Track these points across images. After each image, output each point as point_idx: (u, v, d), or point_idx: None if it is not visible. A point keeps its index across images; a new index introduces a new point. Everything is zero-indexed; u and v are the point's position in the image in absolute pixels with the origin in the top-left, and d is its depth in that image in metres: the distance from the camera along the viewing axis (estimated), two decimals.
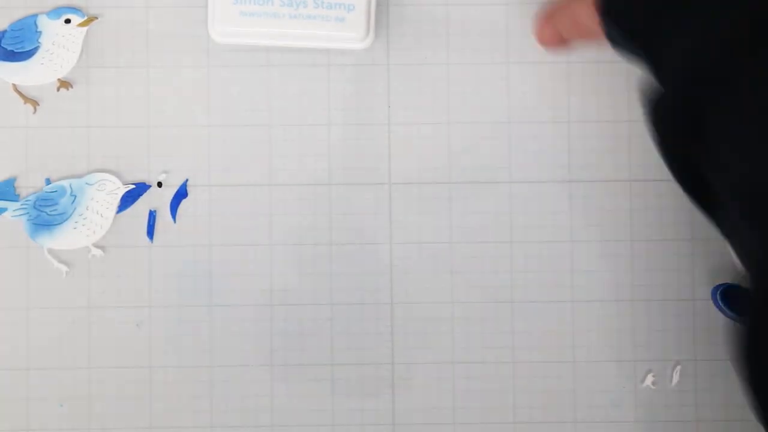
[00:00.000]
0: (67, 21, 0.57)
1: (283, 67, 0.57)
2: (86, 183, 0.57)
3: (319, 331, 0.57)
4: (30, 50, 0.57)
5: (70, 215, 0.57)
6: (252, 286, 0.57)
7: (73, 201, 0.57)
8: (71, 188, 0.57)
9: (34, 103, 0.57)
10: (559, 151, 0.57)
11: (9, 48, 0.57)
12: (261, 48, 0.57)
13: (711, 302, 0.56)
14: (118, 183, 0.57)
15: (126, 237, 0.57)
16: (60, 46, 0.57)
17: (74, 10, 0.57)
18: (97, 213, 0.57)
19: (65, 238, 0.57)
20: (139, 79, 0.57)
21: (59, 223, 0.57)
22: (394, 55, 0.57)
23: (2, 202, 0.57)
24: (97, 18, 0.57)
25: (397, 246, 0.57)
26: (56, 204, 0.57)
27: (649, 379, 0.57)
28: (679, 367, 0.57)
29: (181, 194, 0.57)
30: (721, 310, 0.55)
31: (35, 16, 0.57)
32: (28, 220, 0.57)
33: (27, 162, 0.57)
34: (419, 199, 0.57)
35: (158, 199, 0.57)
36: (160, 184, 0.57)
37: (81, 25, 0.57)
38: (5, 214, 0.57)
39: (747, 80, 0.39)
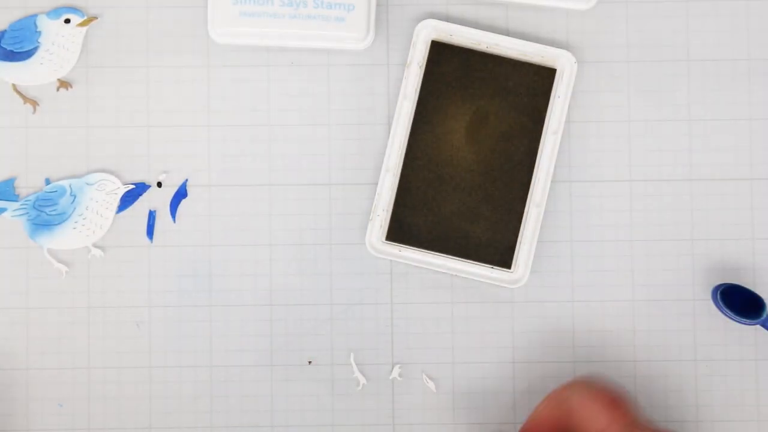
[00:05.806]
0: (67, 21, 0.57)
1: (283, 67, 0.57)
2: (86, 183, 0.57)
3: (319, 331, 0.57)
4: (30, 50, 0.57)
5: (70, 215, 0.56)
6: (252, 286, 0.57)
7: (73, 201, 0.57)
8: (71, 188, 0.57)
9: (34, 103, 0.57)
10: (561, 151, 0.57)
11: (9, 48, 0.57)
12: (261, 48, 0.57)
13: (711, 302, 0.56)
14: (118, 183, 0.57)
15: (126, 237, 0.57)
16: (60, 46, 0.57)
17: (74, 10, 0.57)
18: (97, 213, 0.57)
19: (65, 238, 0.57)
20: (139, 79, 0.57)
21: (59, 223, 0.57)
22: (394, 55, 0.57)
23: (2, 202, 0.57)
24: (96, 18, 0.57)
25: None
26: (56, 204, 0.57)
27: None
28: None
29: (181, 194, 0.57)
30: (721, 310, 0.55)
31: (35, 16, 0.57)
32: (27, 220, 0.57)
33: (27, 162, 0.57)
34: None
35: (158, 199, 0.57)
36: (159, 184, 0.57)
37: (81, 25, 0.57)
38: (5, 214, 0.57)
39: None
